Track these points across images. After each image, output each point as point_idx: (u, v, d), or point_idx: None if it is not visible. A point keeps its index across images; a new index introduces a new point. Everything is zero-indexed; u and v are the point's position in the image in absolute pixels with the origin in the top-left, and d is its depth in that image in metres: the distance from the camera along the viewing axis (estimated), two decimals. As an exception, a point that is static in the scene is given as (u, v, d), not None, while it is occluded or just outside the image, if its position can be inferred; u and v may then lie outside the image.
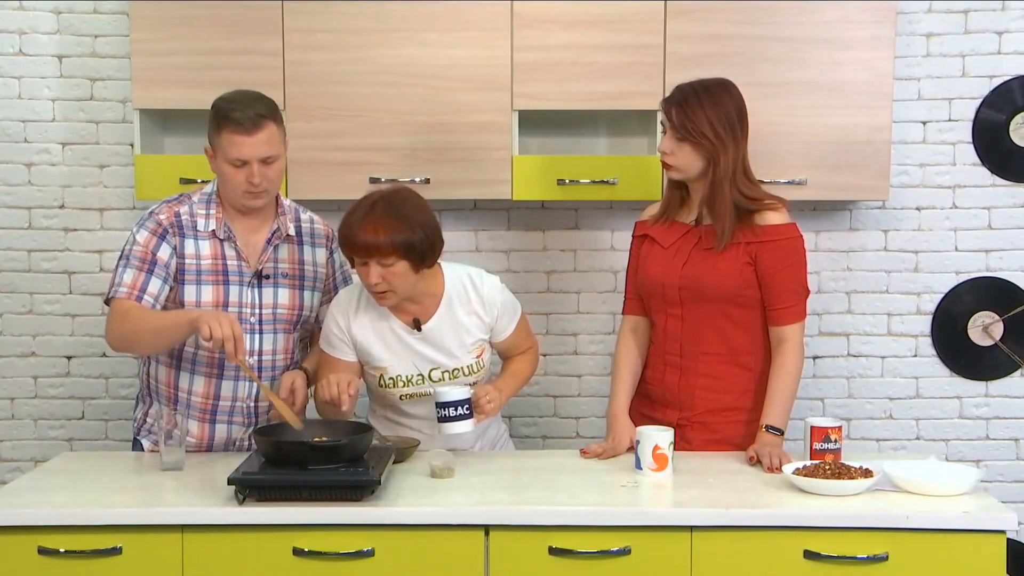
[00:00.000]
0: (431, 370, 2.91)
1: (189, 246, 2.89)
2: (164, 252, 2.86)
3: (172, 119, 3.73)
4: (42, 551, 2.47)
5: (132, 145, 3.71)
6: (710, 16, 3.49)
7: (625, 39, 3.50)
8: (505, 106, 3.53)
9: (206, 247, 2.90)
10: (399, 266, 2.77)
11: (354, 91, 3.51)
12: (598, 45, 3.51)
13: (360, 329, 2.90)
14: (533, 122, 3.65)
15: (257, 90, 2.93)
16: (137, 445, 3.07)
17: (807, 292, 2.94)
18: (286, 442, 2.58)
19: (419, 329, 2.90)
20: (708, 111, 2.84)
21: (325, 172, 3.49)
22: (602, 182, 3.53)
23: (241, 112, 2.78)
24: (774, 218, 2.88)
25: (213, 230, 2.90)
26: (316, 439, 2.61)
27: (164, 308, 2.88)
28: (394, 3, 3.49)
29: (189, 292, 2.88)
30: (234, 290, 2.91)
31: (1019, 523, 2.88)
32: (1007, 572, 2.47)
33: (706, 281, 2.87)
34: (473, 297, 2.94)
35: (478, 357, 2.95)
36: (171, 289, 2.88)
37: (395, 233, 2.74)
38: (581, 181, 3.55)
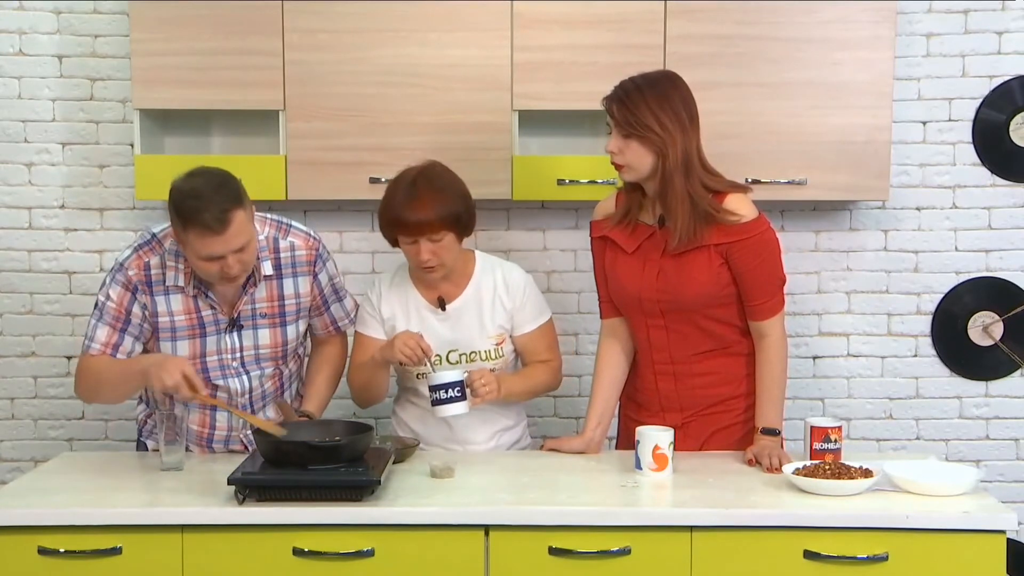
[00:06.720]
0: (449, 352, 2.94)
1: (160, 303, 2.81)
2: (137, 309, 2.81)
3: (172, 119, 3.73)
4: (42, 551, 2.47)
5: (132, 145, 3.70)
6: (710, 16, 3.48)
7: (625, 39, 3.50)
8: (505, 106, 3.53)
9: (178, 302, 2.82)
10: (447, 239, 2.83)
11: (354, 91, 3.51)
12: (598, 45, 3.51)
13: (388, 306, 2.97)
14: (533, 122, 3.65)
15: (217, 168, 2.74)
16: (142, 446, 3.07)
17: (783, 281, 2.90)
18: (286, 442, 2.58)
19: (443, 308, 2.93)
20: (651, 104, 2.75)
21: (325, 172, 3.48)
22: (602, 182, 3.53)
23: (208, 212, 2.60)
24: (739, 207, 2.79)
25: (182, 285, 2.81)
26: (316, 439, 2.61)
27: None
28: (394, 3, 3.49)
29: (165, 348, 2.84)
30: (211, 340, 2.85)
31: (1019, 523, 2.87)
32: (1007, 572, 2.47)
33: (685, 294, 2.83)
34: (499, 281, 2.98)
35: (498, 344, 2.96)
36: (146, 342, 2.85)
37: (441, 207, 2.80)
38: (581, 181, 3.55)
